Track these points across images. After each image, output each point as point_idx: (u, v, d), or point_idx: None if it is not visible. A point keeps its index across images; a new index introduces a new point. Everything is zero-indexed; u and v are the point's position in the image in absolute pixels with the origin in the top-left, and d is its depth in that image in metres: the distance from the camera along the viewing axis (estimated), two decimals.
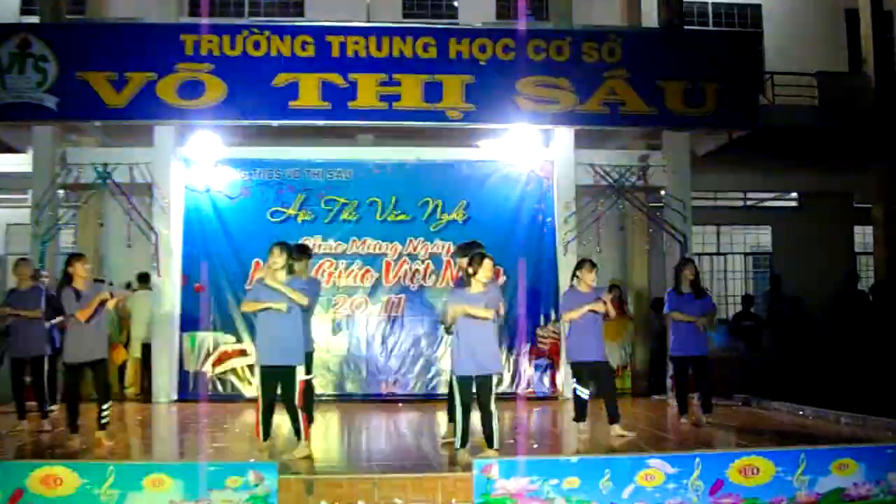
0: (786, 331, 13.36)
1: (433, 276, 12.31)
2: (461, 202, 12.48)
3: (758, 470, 6.57)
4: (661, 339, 12.47)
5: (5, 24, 12.82)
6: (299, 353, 7.73)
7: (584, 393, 8.66)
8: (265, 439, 7.71)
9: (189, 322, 12.07)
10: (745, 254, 17.38)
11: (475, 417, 7.33)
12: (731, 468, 6.53)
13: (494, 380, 7.42)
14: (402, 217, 12.42)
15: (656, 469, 6.45)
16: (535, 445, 8.28)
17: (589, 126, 12.25)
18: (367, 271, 12.31)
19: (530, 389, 12.17)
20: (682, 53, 12.37)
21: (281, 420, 7.92)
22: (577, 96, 11.97)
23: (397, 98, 11.73)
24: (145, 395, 12.08)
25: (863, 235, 17.06)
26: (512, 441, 8.30)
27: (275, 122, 11.89)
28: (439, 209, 12.45)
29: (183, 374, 11.98)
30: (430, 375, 12.18)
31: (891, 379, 11.17)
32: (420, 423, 10.09)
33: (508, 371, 12.12)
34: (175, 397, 11.84)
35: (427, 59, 11.81)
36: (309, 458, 7.46)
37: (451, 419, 7.76)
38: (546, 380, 12.27)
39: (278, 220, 12.29)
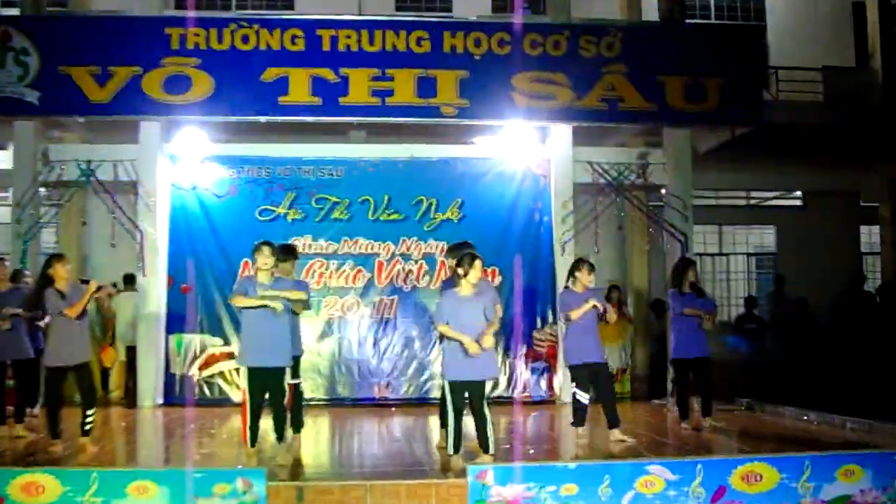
0: (790, 333, 13.38)
1: (427, 277, 12.31)
2: (456, 201, 12.49)
3: (761, 477, 6.60)
4: (661, 342, 12.49)
5: None
6: (287, 354, 7.75)
7: (584, 397, 8.66)
8: (253, 445, 7.69)
9: (175, 324, 12.07)
10: (748, 254, 17.39)
11: (468, 422, 7.33)
12: (733, 475, 6.56)
13: (489, 385, 7.41)
14: (394, 216, 12.42)
15: (656, 475, 6.47)
16: (532, 451, 8.28)
17: (587, 122, 12.26)
18: (359, 272, 12.31)
19: (527, 393, 12.18)
20: (683, 48, 12.40)
21: (269, 425, 7.92)
22: (575, 92, 11.97)
23: (390, 93, 11.72)
24: (130, 398, 12.04)
25: (869, 235, 17.07)
26: (508, 446, 8.31)
27: (263, 119, 11.85)
28: (433, 208, 12.45)
29: (169, 378, 11.98)
30: (423, 378, 12.18)
31: None
32: (413, 428, 10.09)
33: (504, 374, 12.13)
34: (161, 401, 11.84)
35: (421, 53, 11.80)
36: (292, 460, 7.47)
37: (444, 425, 7.76)
38: (543, 383, 12.29)
39: (267, 218, 12.29)
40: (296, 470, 7.32)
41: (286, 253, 8.49)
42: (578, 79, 11.97)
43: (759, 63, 13.63)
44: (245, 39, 11.63)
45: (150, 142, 12.04)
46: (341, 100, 11.67)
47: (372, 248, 12.35)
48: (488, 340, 7.20)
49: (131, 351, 12.12)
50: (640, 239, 13.64)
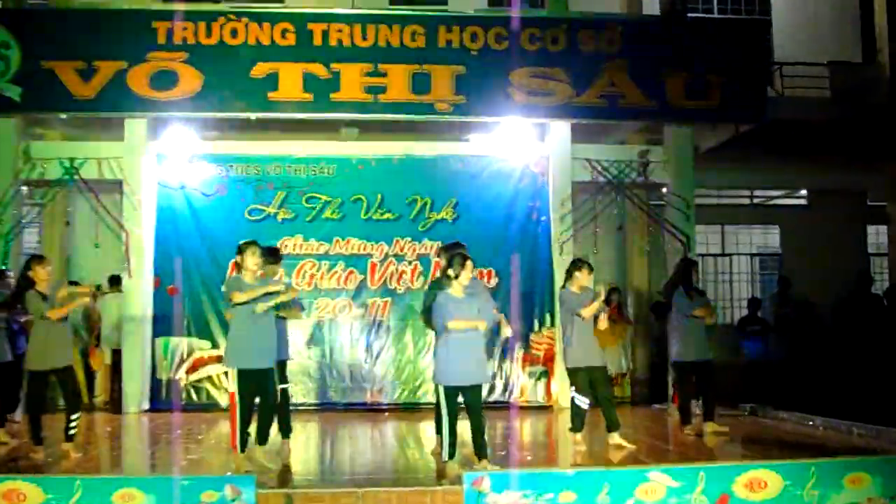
0: (794, 336, 13.38)
1: (421, 278, 12.30)
2: (451, 200, 12.50)
3: (765, 484, 6.59)
4: (661, 345, 12.49)
5: None
6: (273, 356, 7.81)
7: (584, 402, 8.66)
8: (242, 451, 7.68)
9: (162, 326, 12.06)
10: (752, 255, 17.39)
11: (463, 428, 7.33)
12: (736, 482, 6.54)
13: (485, 389, 7.43)
14: (388, 216, 12.43)
15: (657, 482, 6.46)
16: (529, 457, 8.29)
17: (586, 119, 12.26)
18: (351, 273, 12.31)
19: (524, 398, 12.19)
20: (685, 43, 12.37)
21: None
22: (574, 88, 11.95)
23: (383, 89, 11.70)
24: (115, 403, 12.01)
25: (876, 235, 17.10)
26: (504, 453, 8.32)
27: (253, 115, 11.82)
28: (428, 207, 12.46)
29: (155, 382, 11.99)
30: (417, 383, 12.19)
31: None
32: (407, 434, 10.10)
33: (500, 379, 12.14)
34: (146, 406, 11.83)
35: (415, 48, 11.78)
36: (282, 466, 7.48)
37: (439, 431, 7.77)
38: (540, 388, 12.29)
39: (257, 218, 12.29)
40: (285, 477, 7.32)
41: (270, 255, 8.44)
42: (577, 74, 11.95)
43: (763, 58, 13.58)
44: (234, 33, 11.61)
45: (135, 139, 12.02)
46: (333, 96, 11.63)
47: (364, 249, 12.35)
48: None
49: (116, 354, 12.10)
50: (641, 239, 13.62)
